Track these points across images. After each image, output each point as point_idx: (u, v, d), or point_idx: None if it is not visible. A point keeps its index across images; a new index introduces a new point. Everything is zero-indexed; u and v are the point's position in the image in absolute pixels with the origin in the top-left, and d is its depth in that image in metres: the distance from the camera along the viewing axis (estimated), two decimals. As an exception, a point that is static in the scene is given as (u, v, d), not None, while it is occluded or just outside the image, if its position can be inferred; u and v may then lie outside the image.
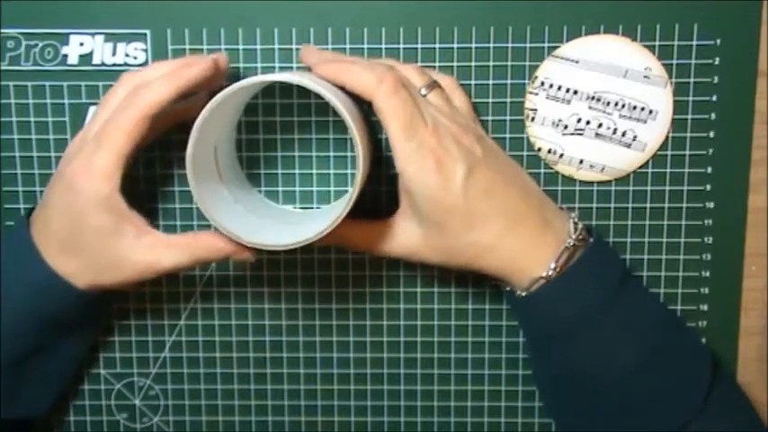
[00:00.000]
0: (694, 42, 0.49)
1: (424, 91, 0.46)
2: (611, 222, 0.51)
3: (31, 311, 0.47)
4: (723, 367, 0.51)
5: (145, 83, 0.45)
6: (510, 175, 0.47)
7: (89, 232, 0.45)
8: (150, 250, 0.46)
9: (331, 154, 0.52)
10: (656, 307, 0.50)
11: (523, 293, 0.46)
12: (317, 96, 0.43)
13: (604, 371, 0.45)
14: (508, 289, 0.48)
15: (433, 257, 0.46)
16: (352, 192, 0.43)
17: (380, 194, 0.52)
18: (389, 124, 0.43)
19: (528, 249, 0.45)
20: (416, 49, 0.50)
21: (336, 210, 0.44)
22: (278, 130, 0.51)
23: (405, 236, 0.46)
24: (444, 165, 0.43)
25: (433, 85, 0.47)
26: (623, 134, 0.50)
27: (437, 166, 0.43)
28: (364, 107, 0.48)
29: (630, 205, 0.51)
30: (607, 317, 0.45)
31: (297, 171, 0.52)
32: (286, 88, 0.51)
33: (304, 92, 0.50)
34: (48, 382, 0.51)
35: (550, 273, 0.45)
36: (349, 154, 0.52)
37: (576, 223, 0.46)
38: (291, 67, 0.50)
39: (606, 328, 0.45)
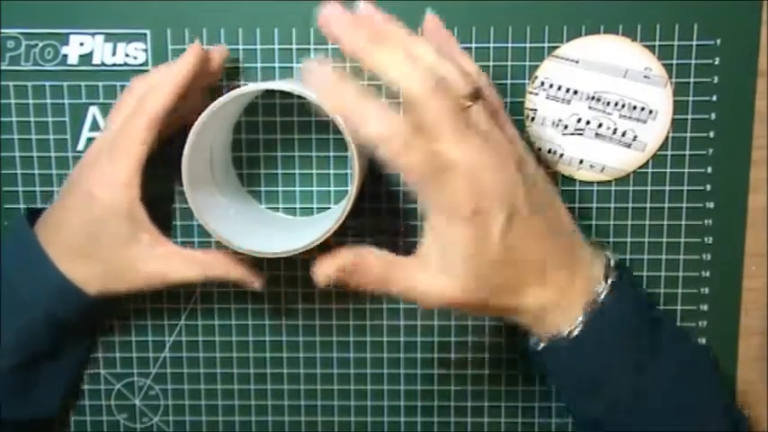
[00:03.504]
0: (694, 42, 0.49)
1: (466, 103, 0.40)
2: (611, 222, 0.51)
3: (42, 316, 0.47)
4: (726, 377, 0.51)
5: (151, 88, 0.45)
6: (550, 218, 0.42)
7: (105, 239, 0.46)
8: (162, 261, 0.46)
9: (331, 154, 0.52)
10: (685, 355, 0.45)
11: (545, 345, 0.43)
12: None
13: (632, 423, 0.43)
14: (533, 340, 0.44)
15: (462, 305, 0.41)
16: (348, 199, 0.43)
17: (380, 194, 0.52)
18: (407, 179, 0.38)
19: (556, 301, 0.42)
20: (416, 49, 0.50)
21: (331, 218, 0.43)
22: (278, 130, 0.51)
23: (423, 281, 0.41)
24: (481, 213, 0.38)
25: (476, 95, 0.40)
26: (623, 134, 0.50)
27: (472, 215, 0.38)
28: None
29: (630, 205, 0.51)
30: (632, 373, 0.42)
31: (297, 171, 0.52)
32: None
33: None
34: (57, 384, 0.51)
35: (577, 328, 0.41)
36: (348, 154, 0.51)
37: (608, 258, 0.43)
38: (291, 68, 0.50)
39: (630, 385, 0.42)
